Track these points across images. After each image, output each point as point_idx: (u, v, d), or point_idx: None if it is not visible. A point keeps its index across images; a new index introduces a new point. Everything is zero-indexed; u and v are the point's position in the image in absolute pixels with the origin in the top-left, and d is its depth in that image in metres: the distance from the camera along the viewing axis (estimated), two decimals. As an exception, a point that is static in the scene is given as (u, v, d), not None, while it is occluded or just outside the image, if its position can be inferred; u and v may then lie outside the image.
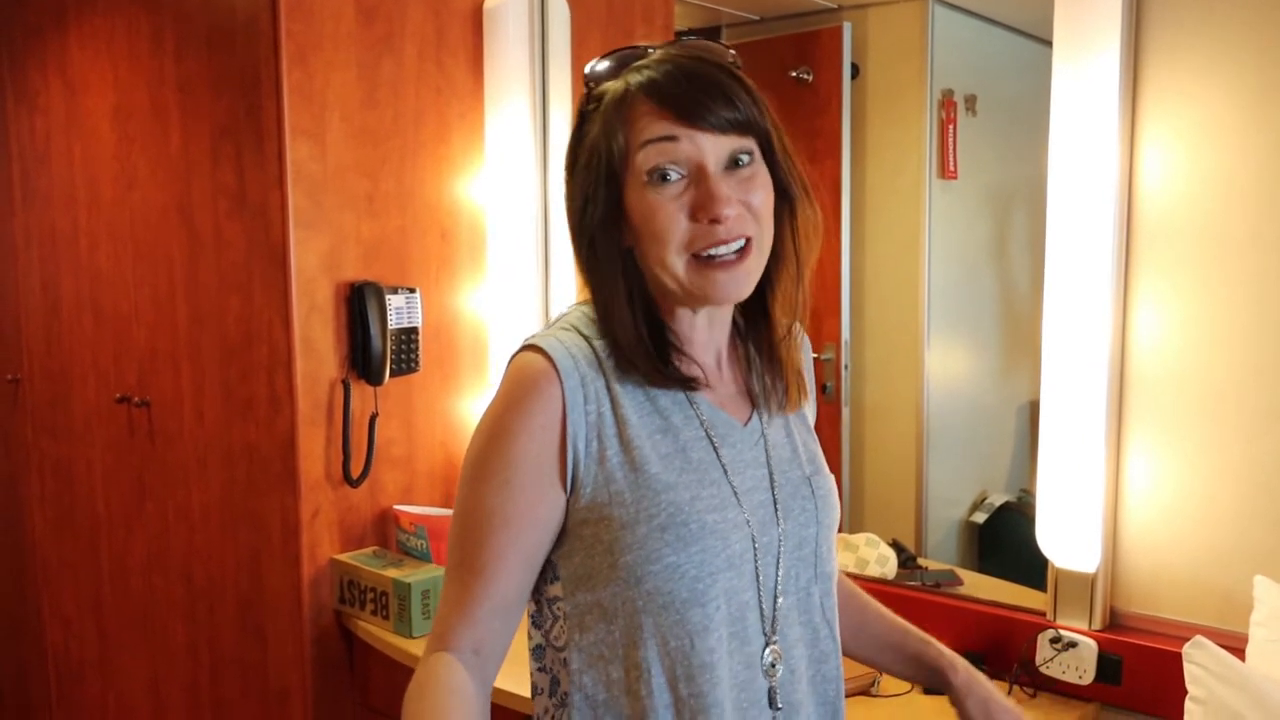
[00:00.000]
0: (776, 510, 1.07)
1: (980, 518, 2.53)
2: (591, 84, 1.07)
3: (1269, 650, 1.54)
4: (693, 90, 0.99)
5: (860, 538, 2.20)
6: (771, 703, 1.06)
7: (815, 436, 1.20)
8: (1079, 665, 1.76)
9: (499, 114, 2.47)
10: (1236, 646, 1.57)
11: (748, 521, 1.04)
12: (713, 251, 1.00)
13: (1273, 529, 1.68)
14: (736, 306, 1.12)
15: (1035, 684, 1.81)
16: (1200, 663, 1.47)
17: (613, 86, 1.04)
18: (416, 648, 2.08)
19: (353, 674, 2.32)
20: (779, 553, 1.06)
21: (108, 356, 2.72)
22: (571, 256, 1.09)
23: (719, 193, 0.99)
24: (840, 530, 2.35)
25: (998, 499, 2.55)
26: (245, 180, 2.24)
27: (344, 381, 2.25)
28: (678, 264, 1.01)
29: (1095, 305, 1.75)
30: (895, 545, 2.22)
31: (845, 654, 1.17)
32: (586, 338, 1.06)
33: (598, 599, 1.03)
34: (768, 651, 1.06)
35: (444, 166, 2.42)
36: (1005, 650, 1.85)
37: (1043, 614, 1.83)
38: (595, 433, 1.02)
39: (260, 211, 2.21)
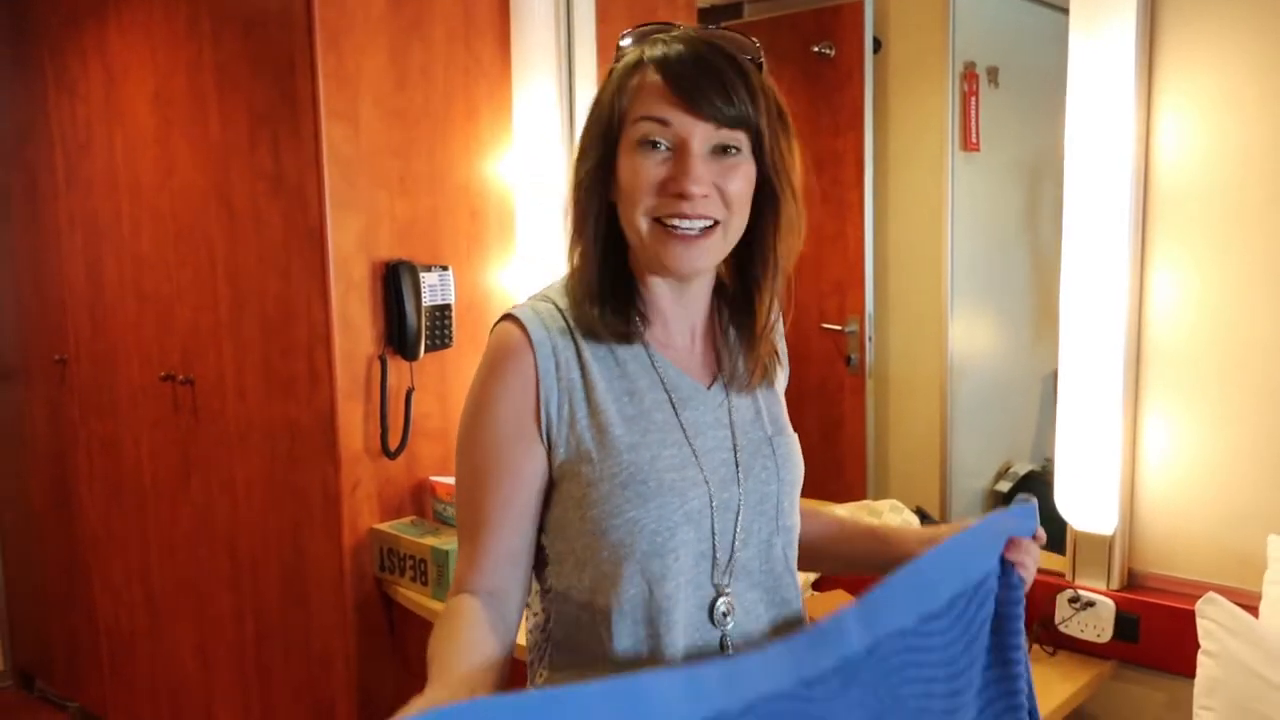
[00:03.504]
0: (738, 469, 1.13)
1: (1004, 486, 2.58)
2: (620, 50, 1.13)
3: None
4: (697, 77, 1.05)
5: (885, 504, 2.25)
6: (722, 648, 1.12)
7: (781, 399, 1.25)
8: (1097, 624, 1.81)
9: (526, 94, 2.53)
10: (1251, 605, 1.62)
11: (706, 480, 1.11)
12: (677, 223, 1.06)
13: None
14: (721, 291, 1.19)
15: (1055, 642, 1.86)
16: (1212, 618, 1.52)
17: (631, 53, 1.10)
18: (455, 613, 2.16)
19: (393, 639, 2.41)
20: (739, 509, 1.12)
21: (151, 337, 2.80)
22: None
23: (693, 171, 1.05)
24: (858, 497, 2.41)
25: (1022, 468, 2.59)
26: (282, 163, 2.31)
27: (381, 357, 2.32)
28: (643, 225, 1.08)
29: (1113, 274, 1.79)
30: (919, 512, 2.27)
31: (838, 570, 1.22)
32: (560, 308, 1.13)
33: (571, 547, 1.11)
34: (721, 602, 1.11)
35: (473, 146, 2.48)
36: (1025, 610, 1.89)
37: (1062, 575, 1.88)
38: (566, 397, 1.10)
39: (297, 193, 2.28)
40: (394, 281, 2.30)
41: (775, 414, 1.22)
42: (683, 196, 1.05)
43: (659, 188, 1.06)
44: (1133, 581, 1.86)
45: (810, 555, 1.27)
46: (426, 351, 2.37)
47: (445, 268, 2.40)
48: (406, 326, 2.31)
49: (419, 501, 2.44)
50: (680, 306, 1.16)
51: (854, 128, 2.70)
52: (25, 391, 3.43)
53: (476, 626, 1.05)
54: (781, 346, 1.26)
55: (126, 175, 2.81)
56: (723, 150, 1.07)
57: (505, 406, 1.10)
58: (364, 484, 2.34)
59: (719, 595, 1.11)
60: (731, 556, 1.12)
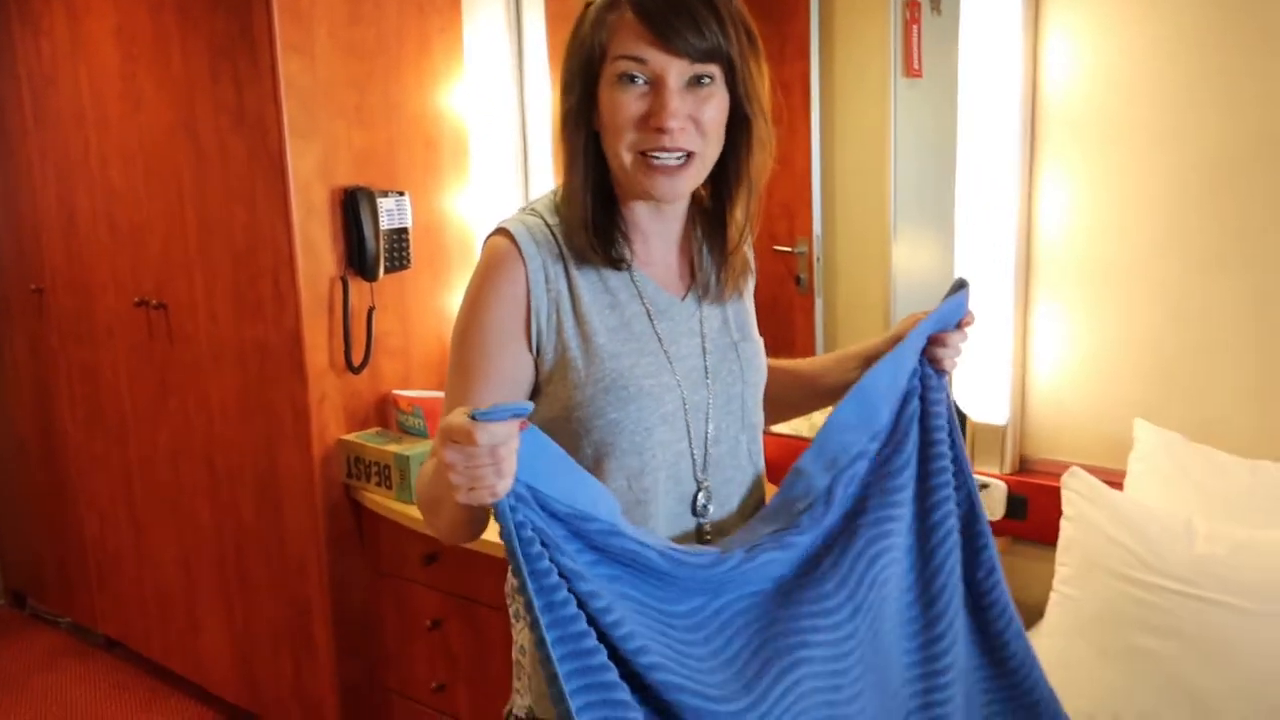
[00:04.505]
0: (707, 374, 1.27)
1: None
2: None
3: (1142, 481, 1.80)
4: (670, 15, 1.12)
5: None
6: (700, 537, 1.27)
7: (748, 306, 1.37)
8: (990, 504, 2.02)
9: (475, 27, 2.67)
10: (1119, 481, 1.83)
11: (679, 384, 1.24)
12: (657, 155, 1.15)
13: (1151, 381, 1.93)
14: (698, 208, 1.29)
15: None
16: (1074, 488, 1.73)
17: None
18: (417, 512, 2.35)
19: (362, 540, 2.60)
20: (709, 409, 1.26)
21: (124, 266, 2.95)
22: (553, 145, 1.29)
23: (670, 106, 1.13)
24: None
25: (951, 375, 2.77)
26: (243, 95, 2.45)
27: (342, 279, 2.48)
28: (626, 157, 1.16)
29: (1004, 184, 1.98)
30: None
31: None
32: (549, 225, 1.22)
33: (559, 446, 1.23)
34: (700, 494, 1.26)
35: (426, 79, 2.62)
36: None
37: (962, 462, 2.08)
38: (554, 307, 1.19)
39: (258, 124, 2.42)
40: (352, 207, 2.45)
41: (742, 321, 1.33)
42: (661, 131, 1.13)
43: (639, 122, 1.14)
44: (1023, 466, 2.08)
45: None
46: (386, 273, 2.53)
47: (402, 193, 2.55)
48: (366, 249, 2.47)
49: (383, 414, 2.62)
50: (659, 224, 1.26)
51: (801, 56, 2.82)
52: (5, 322, 3.56)
53: None
54: (750, 255, 1.36)
55: (94, 110, 2.93)
56: (697, 81, 1.15)
57: (497, 311, 1.18)
58: (330, 398, 2.51)
59: (699, 488, 1.26)
60: (707, 453, 1.26)
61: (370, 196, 2.47)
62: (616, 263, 1.23)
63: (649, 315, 1.24)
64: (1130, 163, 1.92)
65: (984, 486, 2.03)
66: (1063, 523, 1.73)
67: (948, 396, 1.30)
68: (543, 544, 1.02)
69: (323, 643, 2.62)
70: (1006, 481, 2.03)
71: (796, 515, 1.21)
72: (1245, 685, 1.43)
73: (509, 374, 1.20)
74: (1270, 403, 1.83)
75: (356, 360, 2.53)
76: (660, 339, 1.24)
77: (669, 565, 1.10)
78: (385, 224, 2.51)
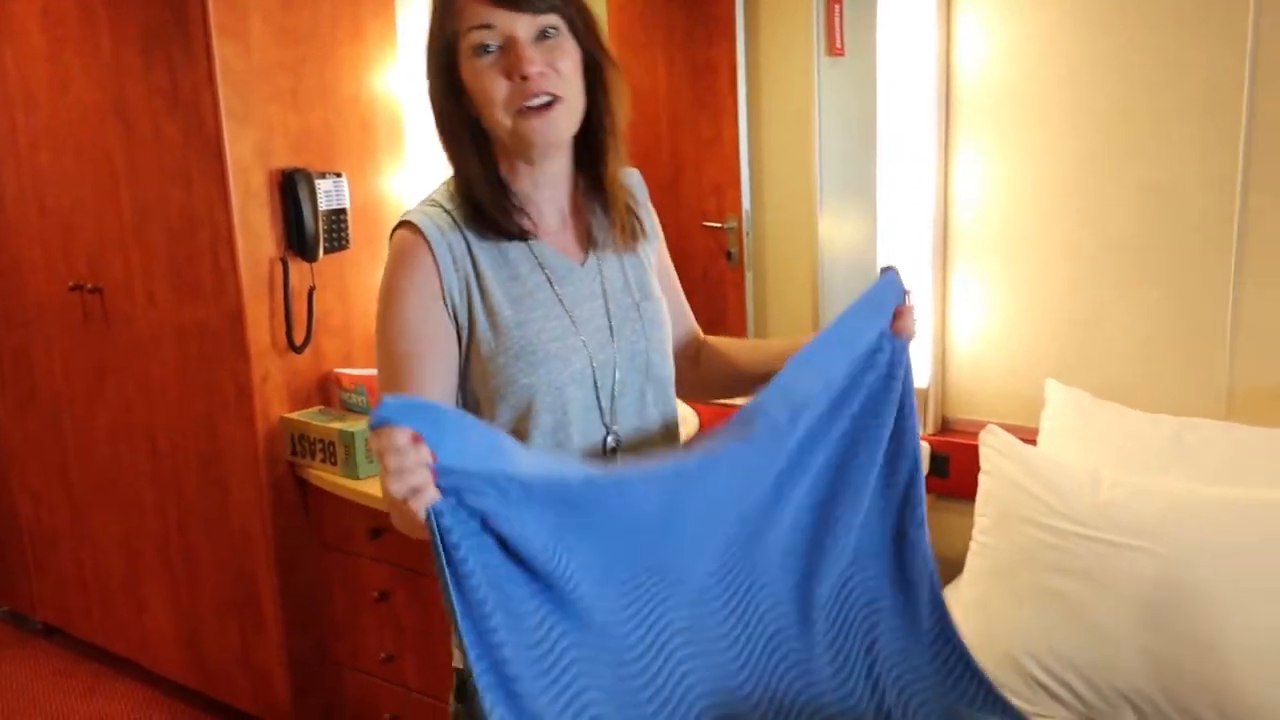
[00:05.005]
0: (611, 333, 1.36)
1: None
2: None
3: (1054, 437, 1.93)
4: None
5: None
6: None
7: (651, 271, 1.43)
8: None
9: (409, 10, 2.70)
10: (1032, 438, 1.96)
11: (585, 344, 1.32)
12: (529, 102, 1.24)
13: (1062, 343, 2.06)
14: (578, 170, 1.37)
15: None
16: (991, 444, 1.85)
17: None
18: (363, 487, 2.40)
19: (307, 516, 2.65)
20: (615, 365, 1.35)
21: (57, 249, 2.94)
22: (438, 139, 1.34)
23: (526, 54, 1.22)
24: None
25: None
26: (177, 79, 2.46)
27: (282, 259, 2.52)
28: (505, 119, 1.24)
29: (922, 161, 2.09)
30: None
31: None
32: (448, 210, 1.29)
33: (480, 415, 1.33)
34: (609, 438, 1.35)
35: (360, 63, 2.65)
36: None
37: (887, 424, 2.20)
38: (464, 285, 1.28)
39: (193, 108, 2.44)
40: (291, 189, 2.48)
41: (642, 282, 1.40)
42: (525, 78, 1.22)
43: (504, 81, 1.23)
44: (945, 426, 2.20)
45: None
46: (325, 253, 2.57)
47: (339, 175, 2.59)
48: (305, 230, 2.50)
49: (325, 392, 2.66)
50: (547, 190, 1.34)
51: (727, 37, 2.90)
52: (-71, 309, 3.51)
53: None
54: (646, 217, 1.45)
55: (20, 91, 2.90)
56: (543, 34, 1.24)
57: (414, 297, 1.25)
58: (273, 376, 2.55)
59: (608, 434, 1.35)
60: (613, 404, 1.35)
61: (308, 178, 2.50)
62: (515, 235, 1.31)
63: (550, 282, 1.32)
64: (1040, 137, 2.03)
65: (908, 446, 2.14)
66: (981, 477, 1.85)
67: (908, 361, 1.40)
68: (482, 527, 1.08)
69: (271, 618, 2.67)
70: (929, 442, 2.15)
71: (752, 428, 1.29)
72: (1142, 616, 1.56)
73: (444, 347, 1.28)
74: (1167, 361, 1.97)
75: (298, 339, 2.56)
76: (563, 303, 1.32)
77: (629, 486, 1.20)
78: (324, 205, 2.54)
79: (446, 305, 1.27)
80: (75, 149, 2.80)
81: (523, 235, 1.32)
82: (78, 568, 3.22)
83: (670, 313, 1.45)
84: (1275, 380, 1.88)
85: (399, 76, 2.74)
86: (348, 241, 2.62)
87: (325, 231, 2.55)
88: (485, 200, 1.29)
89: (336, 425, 2.46)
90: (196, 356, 2.63)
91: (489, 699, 1.06)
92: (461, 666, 1.39)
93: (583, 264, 1.36)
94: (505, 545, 1.10)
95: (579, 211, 1.39)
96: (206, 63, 2.38)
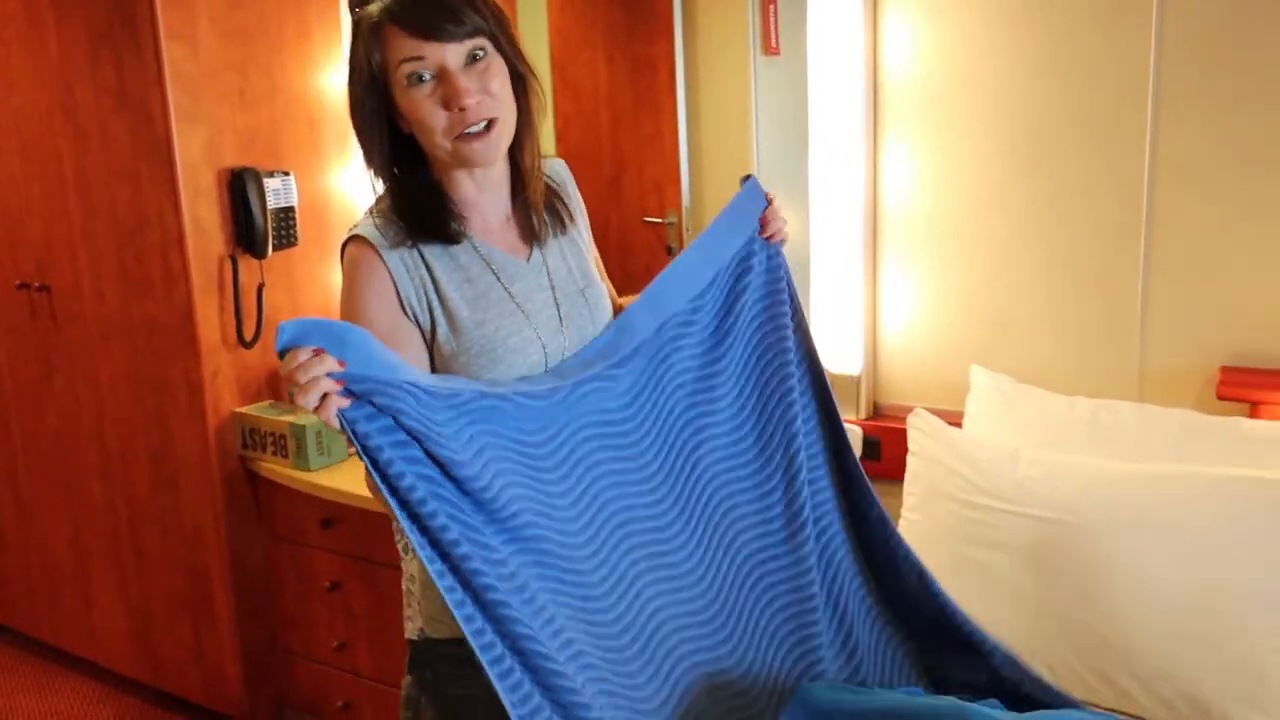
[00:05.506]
0: (561, 322, 1.43)
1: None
2: (354, 9, 1.33)
3: (978, 419, 2.03)
4: (426, 14, 1.27)
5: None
6: None
7: (587, 254, 1.51)
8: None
9: (354, 11, 2.75)
10: (958, 421, 2.06)
11: (539, 336, 1.39)
12: (468, 129, 1.30)
13: (986, 330, 2.17)
14: (512, 173, 1.43)
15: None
16: (918, 427, 1.95)
17: (366, 13, 1.30)
18: (314, 478, 2.45)
19: (259, 508, 2.69)
20: (564, 351, 1.42)
21: (3, 247, 2.94)
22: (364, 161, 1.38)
23: (460, 86, 1.27)
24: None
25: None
26: (125, 80, 2.49)
27: (232, 257, 2.56)
28: (445, 143, 1.31)
29: (852, 156, 2.19)
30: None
31: None
32: (393, 220, 1.35)
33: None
34: None
35: (307, 63, 2.70)
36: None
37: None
38: (421, 293, 1.33)
39: (142, 108, 2.47)
40: (239, 187, 2.53)
41: (584, 268, 1.47)
42: (463, 110, 1.28)
43: (443, 111, 1.28)
44: (876, 412, 2.30)
45: None
46: (274, 250, 2.61)
47: (287, 173, 2.63)
48: (254, 228, 2.54)
49: (275, 387, 2.70)
50: (486, 193, 1.40)
51: (665, 36, 2.98)
52: None
53: None
54: (568, 197, 1.51)
55: (-36, 93, 2.91)
56: (473, 58, 1.29)
57: (376, 306, 1.31)
58: (223, 371, 2.59)
59: None
60: None
61: (257, 177, 2.54)
62: (453, 236, 1.36)
63: (500, 281, 1.38)
64: (964, 135, 2.14)
65: (842, 431, 2.24)
66: (909, 458, 1.95)
67: (786, 264, 1.49)
68: (400, 432, 1.14)
69: (223, 610, 2.70)
70: (861, 426, 2.25)
71: (621, 354, 1.38)
72: (1055, 582, 1.67)
73: (415, 354, 1.33)
74: (1083, 347, 2.08)
75: (248, 335, 2.61)
76: (515, 299, 1.38)
77: (515, 403, 1.27)
78: (272, 203, 2.59)
79: (407, 312, 1.33)
80: (22, 149, 2.81)
81: (462, 236, 1.37)
82: (25, 568, 3.22)
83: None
84: (1182, 363, 2.00)
85: (345, 75, 2.78)
86: (296, 239, 2.67)
87: (274, 229, 2.60)
88: (425, 209, 1.35)
89: (287, 418, 2.51)
90: (146, 353, 2.66)
91: (454, 592, 1.13)
92: (414, 637, 1.46)
93: (528, 259, 1.42)
94: (423, 445, 1.15)
95: (517, 210, 1.45)
96: (155, 63, 2.41)
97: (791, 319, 1.49)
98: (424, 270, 1.34)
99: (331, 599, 2.58)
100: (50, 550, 3.12)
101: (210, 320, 2.55)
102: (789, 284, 1.49)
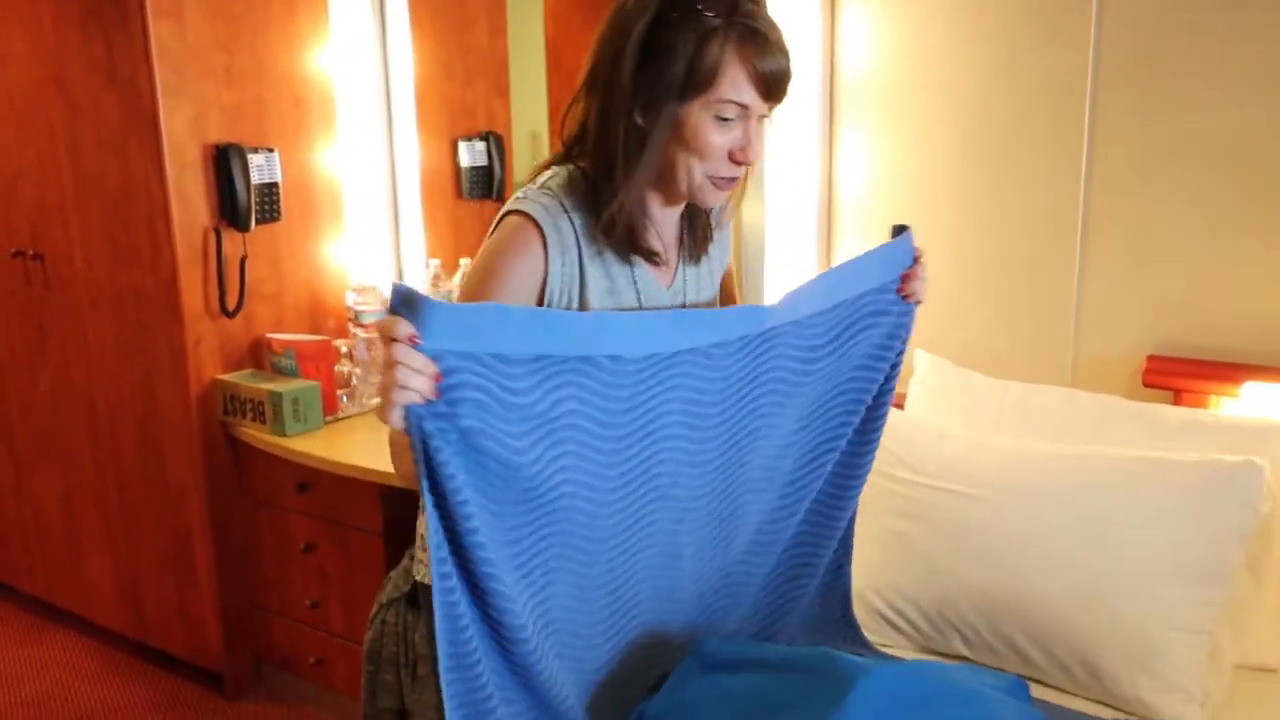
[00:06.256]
0: None
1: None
2: (709, 13, 1.23)
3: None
4: (778, 78, 1.25)
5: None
6: None
7: (717, 275, 1.52)
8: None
9: (340, -8, 2.84)
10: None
11: None
12: (724, 175, 1.29)
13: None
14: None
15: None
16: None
17: (721, 29, 1.22)
18: (291, 444, 2.55)
19: (239, 472, 2.80)
20: None
21: (0, 216, 3.05)
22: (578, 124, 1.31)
23: (757, 146, 1.28)
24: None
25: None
26: (115, 56, 2.59)
27: (216, 229, 2.66)
28: (697, 176, 1.29)
29: (808, 145, 2.27)
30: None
31: None
32: (566, 208, 1.29)
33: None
34: None
35: (294, 41, 2.79)
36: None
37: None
38: (564, 294, 1.31)
39: (130, 84, 2.57)
40: (224, 162, 2.62)
41: (708, 296, 1.49)
42: (741, 163, 1.28)
43: (724, 153, 1.27)
44: (827, 392, 2.39)
45: None
46: (257, 224, 2.71)
47: (271, 149, 2.73)
48: (238, 202, 2.64)
49: (257, 356, 2.81)
50: (668, 217, 1.39)
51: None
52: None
53: None
54: (719, 225, 1.50)
55: (-36, 65, 3.01)
56: (762, 118, 1.29)
57: (515, 283, 1.25)
58: (206, 340, 2.69)
59: None
60: None
61: (241, 153, 2.64)
62: (651, 258, 1.36)
63: (640, 303, 1.39)
64: (916, 128, 2.22)
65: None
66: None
67: (911, 327, 1.53)
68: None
69: (204, 570, 2.82)
70: (812, 405, 2.34)
71: (730, 336, 1.35)
72: (970, 554, 1.76)
73: None
74: (1023, 334, 2.17)
75: (230, 305, 2.71)
76: None
77: (607, 369, 1.22)
78: (256, 178, 2.68)
79: (542, 304, 1.30)
80: (17, 121, 2.91)
81: (657, 261, 1.37)
82: (19, 525, 3.34)
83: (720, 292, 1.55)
84: (1113, 352, 2.08)
85: (331, 55, 2.87)
86: (280, 214, 2.76)
87: (257, 203, 2.69)
88: (636, 223, 1.31)
89: (266, 386, 2.61)
90: (133, 320, 2.76)
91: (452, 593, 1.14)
92: (425, 582, 1.50)
93: (669, 285, 1.42)
94: (481, 443, 1.11)
95: (679, 236, 1.45)
96: (143, 39, 2.50)
97: (886, 378, 1.53)
98: (577, 271, 1.31)
99: (306, 560, 2.69)
100: (43, 509, 3.24)
101: (194, 290, 2.65)
102: (904, 346, 1.52)
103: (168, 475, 2.83)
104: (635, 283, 1.38)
